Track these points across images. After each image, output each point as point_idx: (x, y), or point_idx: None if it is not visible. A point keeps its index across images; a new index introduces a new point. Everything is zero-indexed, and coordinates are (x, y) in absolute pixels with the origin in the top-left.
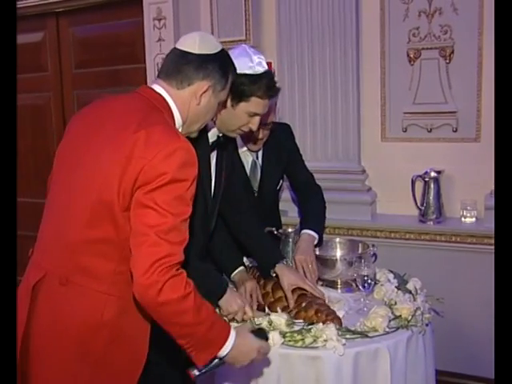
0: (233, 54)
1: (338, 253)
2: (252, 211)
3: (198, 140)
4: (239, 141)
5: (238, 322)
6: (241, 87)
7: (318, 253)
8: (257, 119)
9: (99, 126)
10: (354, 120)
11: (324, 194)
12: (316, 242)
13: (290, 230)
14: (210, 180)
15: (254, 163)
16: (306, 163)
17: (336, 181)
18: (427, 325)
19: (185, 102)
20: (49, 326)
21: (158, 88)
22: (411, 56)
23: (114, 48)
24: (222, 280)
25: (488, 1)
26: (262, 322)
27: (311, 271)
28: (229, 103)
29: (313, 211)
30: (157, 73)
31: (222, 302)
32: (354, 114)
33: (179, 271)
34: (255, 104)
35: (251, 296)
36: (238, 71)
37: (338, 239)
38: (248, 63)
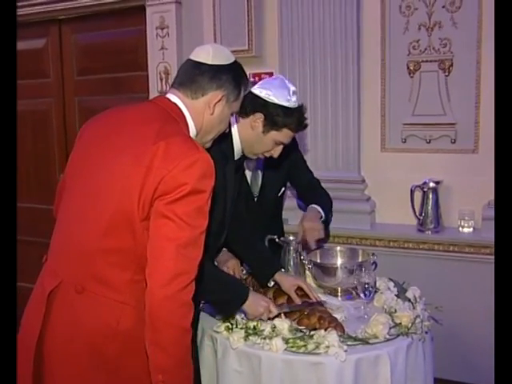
0: (272, 84)
1: (339, 261)
2: (250, 218)
3: (227, 155)
4: None
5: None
6: (276, 117)
7: (318, 260)
8: (280, 147)
9: (115, 134)
10: (354, 130)
11: None
12: (322, 218)
13: (291, 237)
14: (232, 193)
15: (255, 168)
16: None
17: (336, 190)
18: (426, 332)
19: (199, 112)
20: (64, 333)
21: (173, 98)
22: (411, 68)
23: (116, 55)
24: (244, 286)
25: (486, 16)
26: (266, 327)
27: (318, 236)
28: (260, 129)
29: (318, 199)
30: (159, 81)
31: (247, 308)
32: (355, 124)
33: (191, 300)
34: (284, 134)
35: (234, 273)
36: (277, 102)
37: (338, 248)
38: (286, 96)
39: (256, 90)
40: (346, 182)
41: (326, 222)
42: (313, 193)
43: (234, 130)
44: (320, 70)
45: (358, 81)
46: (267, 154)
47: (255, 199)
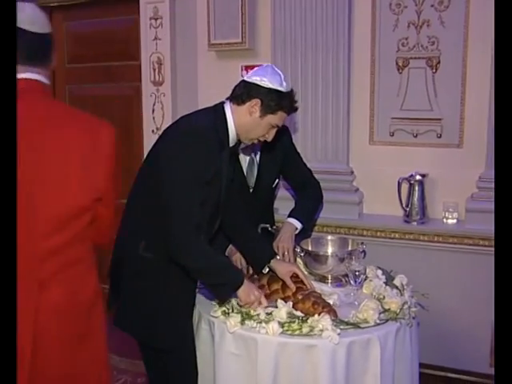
0: (266, 71)
1: (330, 249)
2: (245, 208)
3: (223, 142)
4: None
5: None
6: (271, 102)
7: (310, 248)
8: (274, 131)
9: None
10: (343, 123)
11: None
12: (297, 230)
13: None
14: (227, 178)
15: (252, 160)
16: None
17: (325, 181)
18: (414, 318)
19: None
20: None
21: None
22: (400, 64)
23: (108, 44)
24: (240, 273)
25: (473, 16)
26: (261, 312)
27: (289, 256)
28: (258, 114)
29: (302, 202)
30: (152, 71)
31: (240, 293)
32: (344, 117)
33: None
34: (279, 117)
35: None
36: (272, 87)
37: (329, 236)
38: (279, 81)
39: (251, 78)
40: (336, 173)
41: (306, 228)
42: (302, 192)
43: (229, 118)
44: (311, 63)
45: (348, 75)
46: (262, 138)
47: (251, 190)
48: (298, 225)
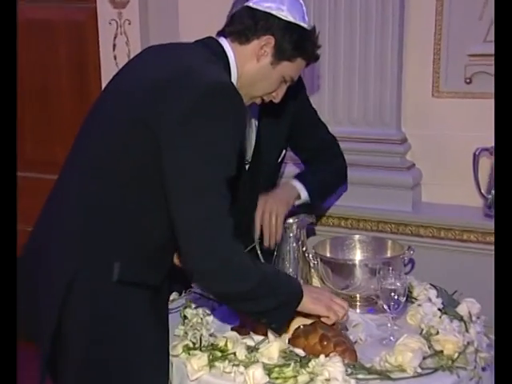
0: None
1: (358, 256)
2: (238, 195)
3: None
4: None
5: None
6: (288, 43)
7: (328, 254)
8: (284, 88)
9: None
10: (392, 66)
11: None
12: (299, 201)
13: (290, 220)
14: None
15: (248, 120)
16: None
17: (363, 153)
18: (484, 369)
19: None
20: None
21: None
22: None
23: None
24: (291, 277)
25: None
26: (239, 349)
27: (273, 226)
28: (269, 59)
29: (316, 169)
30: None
31: (308, 305)
32: (394, 56)
33: None
34: (297, 66)
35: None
36: (292, 20)
37: (357, 237)
38: (301, 12)
39: (260, 4)
40: (380, 141)
41: (313, 205)
42: (317, 162)
43: (233, 64)
44: None
45: None
46: (267, 98)
47: (246, 167)
48: (303, 192)
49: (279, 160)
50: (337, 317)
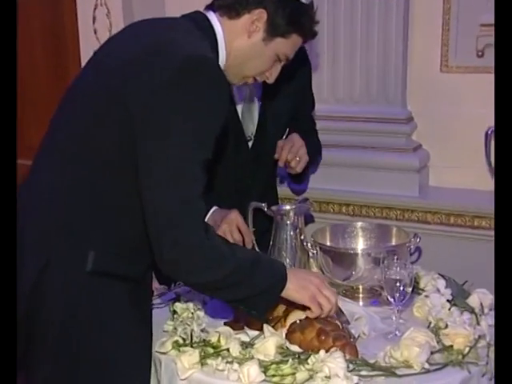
0: None
1: (361, 244)
2: (239, 176)
3: None
4: None
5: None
6: (282, 18)
7: (329, 243)
8: (279, 67)
9: None
10: (397, 37)
11: (346, 154)
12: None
13: (287, 206)
14: None
15: (249, 94)
16: (321, 106)
17: (366, 134)
18: None
19: None
20: None
21: None
22: None
23: None
24: (275, 261)
25: None
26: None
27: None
28: (261, 35)
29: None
30: None
31: (292, 293)
32: (399, 28)
33: None
34: (292, 43)
35: (240, 232)
36: None
37: (360, 224)
38: None
39: None
40: (382, 121)
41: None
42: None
43: (221, 40)
44: None
45: None
46: (259, 78)
47: (249, 144)
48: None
49: (284, 137)
50: (320, 311)
